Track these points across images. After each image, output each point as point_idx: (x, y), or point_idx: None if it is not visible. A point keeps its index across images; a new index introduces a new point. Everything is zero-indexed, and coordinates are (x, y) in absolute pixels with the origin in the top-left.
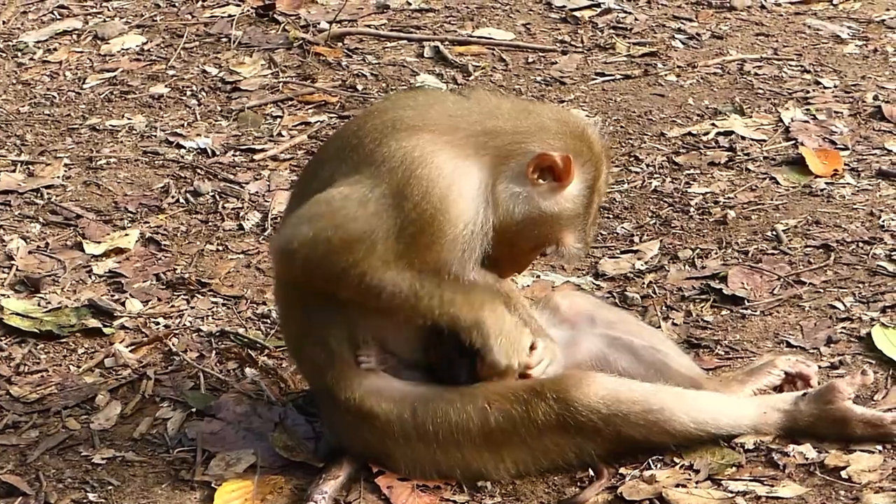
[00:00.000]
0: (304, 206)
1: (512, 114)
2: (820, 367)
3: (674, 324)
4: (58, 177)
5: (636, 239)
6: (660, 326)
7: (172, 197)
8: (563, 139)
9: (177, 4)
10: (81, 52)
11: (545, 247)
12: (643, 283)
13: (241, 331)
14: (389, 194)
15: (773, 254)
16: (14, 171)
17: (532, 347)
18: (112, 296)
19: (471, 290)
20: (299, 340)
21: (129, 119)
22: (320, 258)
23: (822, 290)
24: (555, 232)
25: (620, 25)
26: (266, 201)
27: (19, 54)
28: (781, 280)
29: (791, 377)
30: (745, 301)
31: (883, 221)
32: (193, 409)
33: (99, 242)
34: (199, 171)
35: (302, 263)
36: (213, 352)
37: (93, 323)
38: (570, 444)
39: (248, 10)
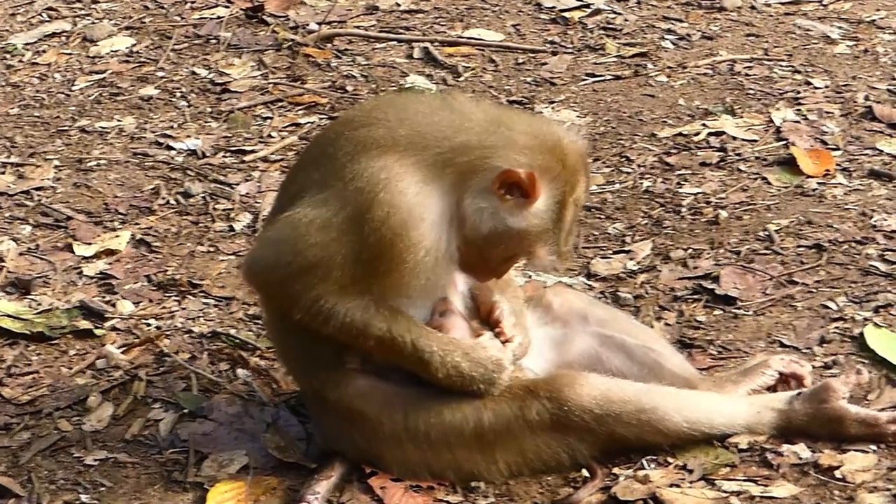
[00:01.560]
0: (272, 228)
1: (482, 126)
2: (813, 366)
3: (666, 324)
4: (48, 178)
5: (628, 239)
6: (652, 326)
7: (163, 198)
8: (531, 154)
9: (165, 6)
10: (70, 53)
11: (517, 259)
12: (635, 284)
13: (232, 332)
14: (351, 218)
15: (765, 254)
16: (4, 172)
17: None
18: (103, 297)
19: (420, 325)
20: (285, 343)
21: (118, 121)
22: (279, 282)
23: (814, 290)
24: (524, 246)
25: (610, 26)
26: (257, 202)
27: (8, 56)
28: (774, 280)
29: (785, 377)
30: (738, 301)
31: (875, 221)
32: (185, 410)
33: (89, 244)
34: (189, 172)
35: (262, 285)
36: (205, 353)
37: (84, 324)
38: (563, 444)
39: (237, 12)
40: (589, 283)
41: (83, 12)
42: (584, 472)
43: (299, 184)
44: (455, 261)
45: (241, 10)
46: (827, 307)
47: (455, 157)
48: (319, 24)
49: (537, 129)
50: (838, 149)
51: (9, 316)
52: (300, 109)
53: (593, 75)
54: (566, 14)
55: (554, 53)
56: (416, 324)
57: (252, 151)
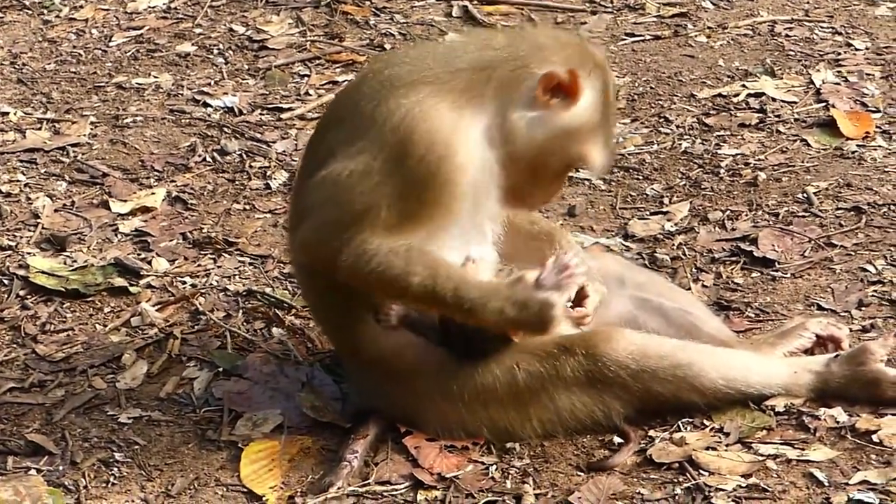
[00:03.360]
0: (313, 191)
1: (507, 41)
2: (851, 330)
3: (704, 286)
4: (84, 135)
5: (666, 200)
6: (689, 288)
7: (199, 156)
8: (563, 53)
9: None
10: (108, 9)
11: (571, 167)
12: (673, 245)
13: (268, 290)
14: (393, 157)
15: (803, 216)
16: (40, 128)
17: (582, 292)
18: (138, 254)
19: (460, 271)
20: (320, 302)
21: (155, 77)
22: (325, 241)
23: (853, 253)
24: (578, 147)
25: None
26: (293, 160)
27: (45, 12)
28: (812, 242)
29: (822, 339)
30: (776, 263)
31: None
32: (220, 369)
33: (125, 201)
34: (225, 129)
35: (314, 252)
36: (240, 311)
37: (119, 282)
38: (598, 401)
39: None
40: (626, 244)
41: None
42: (620, 437)
43: (327, 146)
44: (501, 188)
45: None
46: (865, 270)
47: (492, 74)
48: None
49: (557, 34)
50: (878, 111)
51: (44, 273)
52: (338, 67)
53: (633, 35)
54: None
55: (593, 13)
56: (457, 270)
57: (289, 109)
